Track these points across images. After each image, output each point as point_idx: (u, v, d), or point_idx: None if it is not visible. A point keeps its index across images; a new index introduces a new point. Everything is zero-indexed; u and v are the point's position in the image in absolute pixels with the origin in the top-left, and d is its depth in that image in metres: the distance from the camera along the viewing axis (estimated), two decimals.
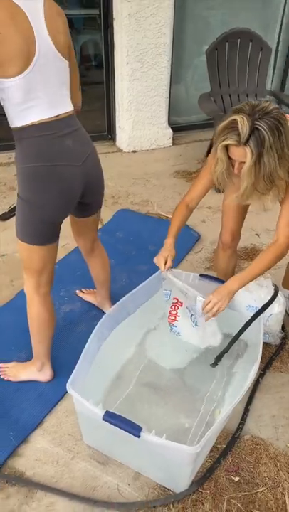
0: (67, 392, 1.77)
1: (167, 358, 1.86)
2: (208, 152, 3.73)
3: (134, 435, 1.27)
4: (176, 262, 2.48)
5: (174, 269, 1.71)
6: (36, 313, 1.63)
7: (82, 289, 2.26)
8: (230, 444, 1.59)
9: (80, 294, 2.24)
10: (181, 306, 1.72)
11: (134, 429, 1.28)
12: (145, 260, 2.52)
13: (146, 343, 1.92)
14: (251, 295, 1.81)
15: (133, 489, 1.48)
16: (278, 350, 1.98)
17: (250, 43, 3.40)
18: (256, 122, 1.29)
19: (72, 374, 1.44)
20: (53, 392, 1.78)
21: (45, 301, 1.62)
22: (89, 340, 1.56)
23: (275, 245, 1.54)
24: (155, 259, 1.67)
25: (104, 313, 2.13)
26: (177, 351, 1.85)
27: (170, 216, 2.85)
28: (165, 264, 1.64)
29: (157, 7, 3.25)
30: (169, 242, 1.67)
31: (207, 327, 1.64)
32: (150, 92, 3.59)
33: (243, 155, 1.34)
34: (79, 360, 1.49)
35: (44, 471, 1.53)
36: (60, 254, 2.40)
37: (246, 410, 1.71)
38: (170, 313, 1.76)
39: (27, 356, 1.87)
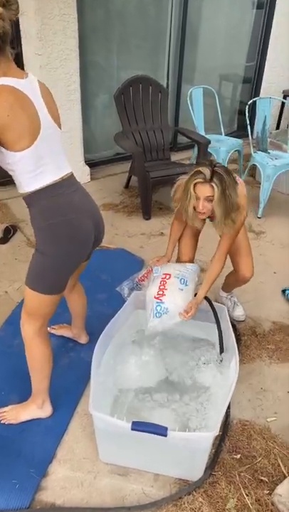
0: (69, 421, 1.91)
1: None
2: (128, 184, 4.08)
3: (162, 435, 1.48)
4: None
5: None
6: (39, 353, 1.73)
7: (53, 326, 2.37)
8: (224, 430, 1.87)
9: (52, 331, 2.35)
10: (170, 278, 2.07)
11: (161, 430, 1.49)
12: (102, 289, 2.73)
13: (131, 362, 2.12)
14: None
15: (157, 489, 1.67)
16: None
17: (150, 87, 3.86)
18: (214, 168, 1.76)
19: (90, 400, 1.61)
20: (56, 425, 1.88)
21: (45, 339, 1.74)
22: (92, 368, 1.72)
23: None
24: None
25: (79, 343, 2.30)
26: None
27: (111, 246, 3.13)
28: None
29: (65, 59, 3.54)
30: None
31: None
32: (65, 134, 3.83)
33: (209, 191, 1.75)
34: (91, 387, 1.66)
35: (72, 495, 1.64)
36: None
37: None
38: (159, 288, 2.04)
39: (20, 398, 1.94)
